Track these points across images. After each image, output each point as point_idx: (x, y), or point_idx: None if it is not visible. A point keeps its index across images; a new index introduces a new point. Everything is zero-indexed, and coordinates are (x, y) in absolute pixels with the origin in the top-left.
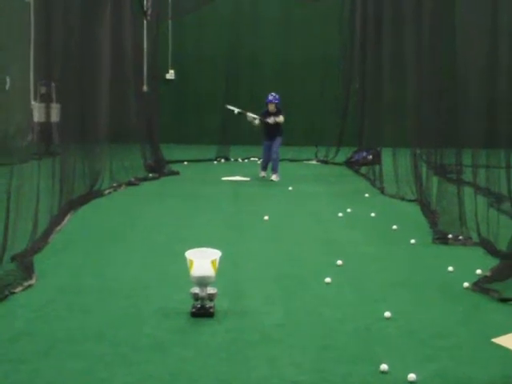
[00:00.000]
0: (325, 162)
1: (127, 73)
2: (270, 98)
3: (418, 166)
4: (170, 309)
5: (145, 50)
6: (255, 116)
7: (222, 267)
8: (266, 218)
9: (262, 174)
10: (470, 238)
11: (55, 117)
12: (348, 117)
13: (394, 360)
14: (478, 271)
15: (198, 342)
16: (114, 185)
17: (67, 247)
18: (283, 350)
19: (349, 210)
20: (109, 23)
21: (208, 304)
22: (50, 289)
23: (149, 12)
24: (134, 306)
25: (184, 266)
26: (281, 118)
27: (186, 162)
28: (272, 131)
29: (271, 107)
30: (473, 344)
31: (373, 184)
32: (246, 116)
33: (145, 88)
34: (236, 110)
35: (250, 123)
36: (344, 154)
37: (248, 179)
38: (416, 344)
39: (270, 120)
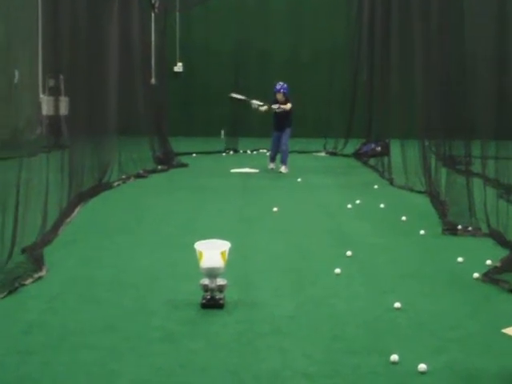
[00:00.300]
0: (333, 154)
1: (135, 65)
2: (278, 87)
3: (426, 158)
4: (179, 300)
5: (153, 43)
6: (260, 103)
7: (232, 258)
8: (275, 209)
9: (271, 165)
10: (480, 229)
11: (64, 110)
12: (356, 108)
13: (404, 351)
14: (488, 262)
15: (208, 333)
16: (123, 177)
17: (77, 239)
18: (293, 342)
19: (358, 202)
20: (117, 16)
21: (218, 295)
22: (60, 281)
23: (156, 5)
24: (143, 297)
25: (193, 257)
26: (288, 106)
27: (194, 154)
28: (281, 122)
29: (279, 96)
30: (483, 335)
31: (381, 175)
32: (250, 104)
33: (153, 81)
34: (241, 98)
35: (256, 111)
36: (353, 145)
37: (257, 171)
38: (426, 335)
39: (275, 106)
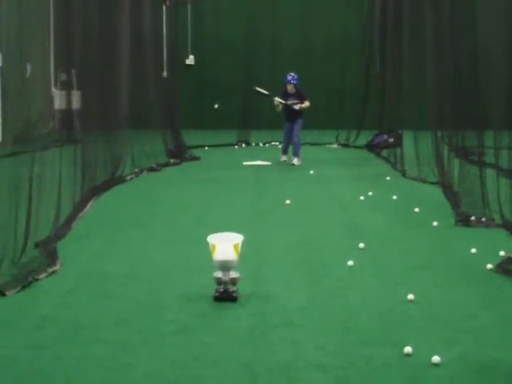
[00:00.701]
0: (346, 146)
1: (147, 58)
2: (289, 78)
3: (439, 149)
4: (192, 293)
5: (164, 36)
6: (282, 101)
7: (245, 251)
8: (288, 202)
9: (284, 157)
10: (493, 220)
11: (76, 104)
12: (369, 100)
13: (418, 343)
14: (502, 253)
15: (220, 326)
16: (136, 170)
17: (90, 233)
18: (306, 334)
19: (370, 193)
20: (128, 9)
21: (231, 288)
22: (73, 275)
23: None
24: (156, 290)
25: (206, 250)
26: (306, 104)
27: (206, 148)
28: (293, 113)
29: (290, 87)
30: (496, 326)
31: (394, 167)
32: (273, 100)
33: (165, 74)
34: (264, 92)
35: (275, 107)
36: (365, 137)
37: (269, 163)
38: (439, 327)
39: (297, 107)
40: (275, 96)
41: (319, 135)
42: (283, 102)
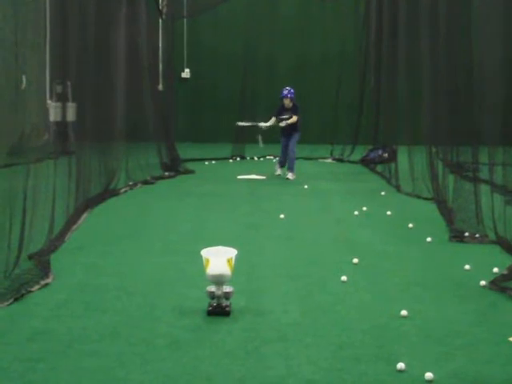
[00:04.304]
0: (340, 160)
1: (143, 72)
2: (285, 92)
3: (434, 164)
4: (185, 307)
5: (160, 49)
6: (267, 124)
7: (238, 266)
8: (282, 216)
9: (278, 171)
10: (487, 236)
11: (71, 116)
12: (363, 115)
13: (411, 359)
14: (495, 269)
15: (214, 340)
16: (130, 183)
17: (83, 246)
18: (299, 349)
19: (365, 209)
20: (124, 22)
21: (224, 302)
22: (66, 287)
23: (164, 11)
24: (150, 304)
25: (200, 264)
26: (292, 120)
27: (206, 162)
28: (288, 128)
29: (287, 102)
30: (490, 343)
31: (389, 182)
32: (259, 127)
33: (160, 87)
34: (247, 124)
35: (267, 129)
36: (360, 152)
37: (264, 177)
38: (433, 343)
39: (283, 124)
40: (259, 123)
41: (314, 149)
42: (268, 124)
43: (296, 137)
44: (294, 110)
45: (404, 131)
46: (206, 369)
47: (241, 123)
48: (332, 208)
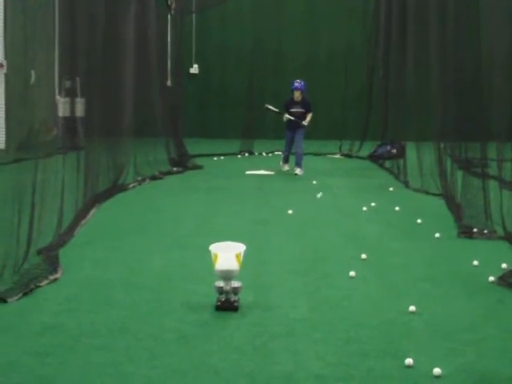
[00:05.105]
0: (349, 156)
1: (151, 67)
2: (296, 84)
3: (442, 160)
4: (194, 302)
5: (169, 45)
6: (291, 118)
7: (247, 261)
8: (291, 211)
9: (285, 167)
10: (495, 232)
11: (80, 111)
12: (372, 110)
13: (419, 354)
14: (504, 265)
15: (222, 335)
16: (139, 179)
17: (92, 241)
18: (307, 344)
19: (373, 204)
20: (133, 17)
21: (232, 298)
22: (75, 282)
23: (173, 6)
24: (158, 299)
25: (208, 259)
26: (309, 118)
27: (215, 158)
28: (294, 122)
29: (297, 94)
30: (498, 338)
31: (397, 178)
32: (283, 117)
33: (169, 82)
34: (275, 110)
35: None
36: (368, 147)
37: (272, 173)
38: (441, 338)
39: (305, 123)
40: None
41: (322, 145)
42: (293, 118)
43: (302, 132)
44: (305, 105)
45: (412, 127)
46: (214, 364)
47: (269, 106)
48: (340, 203)
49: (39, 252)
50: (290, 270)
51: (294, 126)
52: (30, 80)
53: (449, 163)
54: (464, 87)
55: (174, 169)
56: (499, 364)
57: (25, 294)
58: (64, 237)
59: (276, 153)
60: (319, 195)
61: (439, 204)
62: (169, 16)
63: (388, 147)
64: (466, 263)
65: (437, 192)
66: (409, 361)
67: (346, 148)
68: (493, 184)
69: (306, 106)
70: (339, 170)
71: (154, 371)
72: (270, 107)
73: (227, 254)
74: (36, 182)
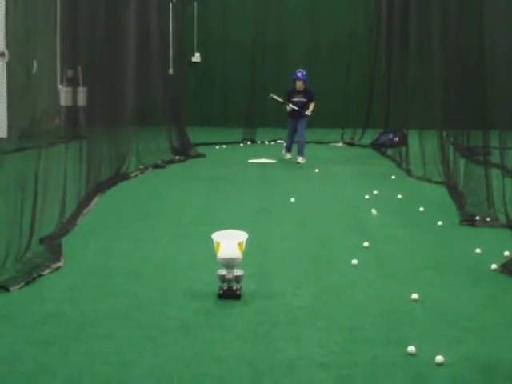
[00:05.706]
0: (351, 144)
1: (153, 56)
2: (298, 74)
3: (444, 148)
4: (196, 291)
5: (170, 33)
6: (295, 107)
7: (249, 249)
8: (293, 200)
9: (288, 155)
10: (498, 220)
11: (82, 100)
12: (374, 98)
13: (422, 342)
14: (506, 253)
15: (224, 323)
16: (141, 167)
17: (95, 230)
18: (310, 332)
19: (375, 192)
20: (134, 6)
21: (235, 286)
22: (77, 271)
23: None
24: (160, 288)
25: (211, 247)
26: (312, 107)
27: (217, 147)
28: (297, 111)
29: (299, 84)
30: (500, 326)
31: (399, 166)
32: (287, 106)
33: (171, 71)
34: (280, 100)
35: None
36: (370, 135)
37: (274, 161)
38: (443, 326)
39: (308, 113)
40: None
41: (324, 133)
42: (296, 108)
43: (304, 120)
44: (307, 94)
45: (415, 115)
46: (216, 352)
47: (274, 96)
48: (343, 191)
49: (42, 241)
50: (292, 258)
51: (296, 115)
52: (32, 69)
53: (451, 151)
54: (466, 75)
55: (176, 157)
56: (502, 352)
57: (27, 283)
58: (67, 226)
59: (278, 141)
60: (374, 212)
61: (442, 192)
62: (170, 5)
63: (390, 135)
64: (468, 251)
65: (439, 180)
66: (411, 348)
67: (348, 136)
68: (495, 172)
69: (309, 95)
70: (341, 158)
71: (157, 359)
72: (275, 97)
73: (229, 243)
74: (38, 171)
